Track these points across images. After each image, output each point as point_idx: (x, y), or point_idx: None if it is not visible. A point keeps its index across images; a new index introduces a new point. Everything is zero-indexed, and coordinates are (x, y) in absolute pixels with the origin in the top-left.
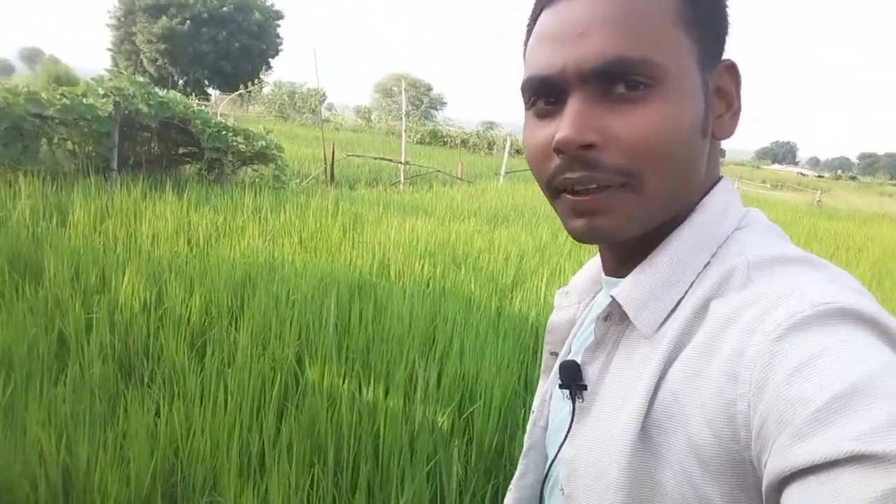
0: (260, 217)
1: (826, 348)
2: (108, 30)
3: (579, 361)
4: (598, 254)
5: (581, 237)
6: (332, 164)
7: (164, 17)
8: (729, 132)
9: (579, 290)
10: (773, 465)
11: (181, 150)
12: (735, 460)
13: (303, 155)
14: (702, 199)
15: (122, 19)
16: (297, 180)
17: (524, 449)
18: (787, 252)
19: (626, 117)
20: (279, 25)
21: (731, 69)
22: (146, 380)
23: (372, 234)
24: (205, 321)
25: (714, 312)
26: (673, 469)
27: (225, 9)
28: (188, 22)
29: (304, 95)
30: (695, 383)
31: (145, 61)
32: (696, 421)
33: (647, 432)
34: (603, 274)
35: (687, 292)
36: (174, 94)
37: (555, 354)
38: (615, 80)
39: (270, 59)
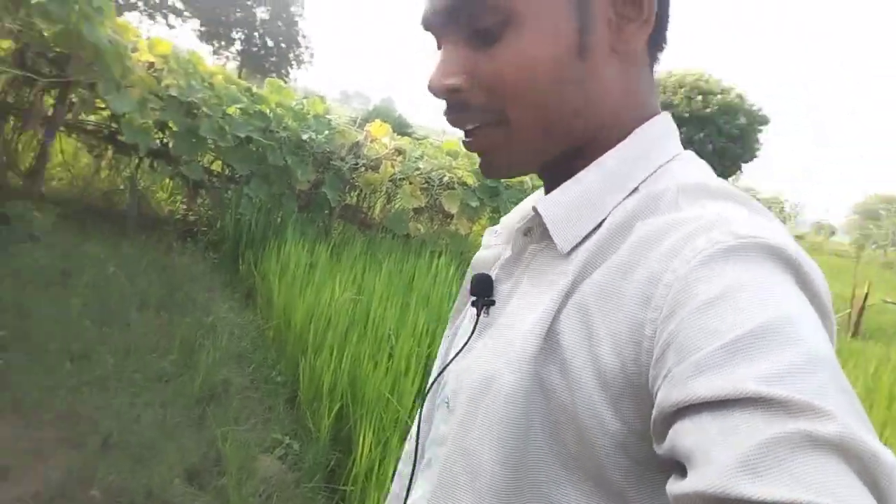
0: None
1: (743, 284)
2: None
3: (493, 277)
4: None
5: (484, 174)
6: (862, 309)
7: None
8: (635, 42)
9: (510, 228)
10: (668, 395)
11: None
12: (633, 384)
13: None
14: (637, 126)
15: None
16: None
17: (427, 386)
18: (720, 185)
19: (485, 56)
20: (761, 131)
21: None
22: None
23: None
24: None
25: (636, 232)
26: (570, 385)
27: (708, 110)
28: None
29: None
30: (605, 301)
31: None
32: (602, 340)
33: (549, 344)
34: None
35: (610, 214)
36: None
37: None
38: (468, 20)
39: (743, 164)
